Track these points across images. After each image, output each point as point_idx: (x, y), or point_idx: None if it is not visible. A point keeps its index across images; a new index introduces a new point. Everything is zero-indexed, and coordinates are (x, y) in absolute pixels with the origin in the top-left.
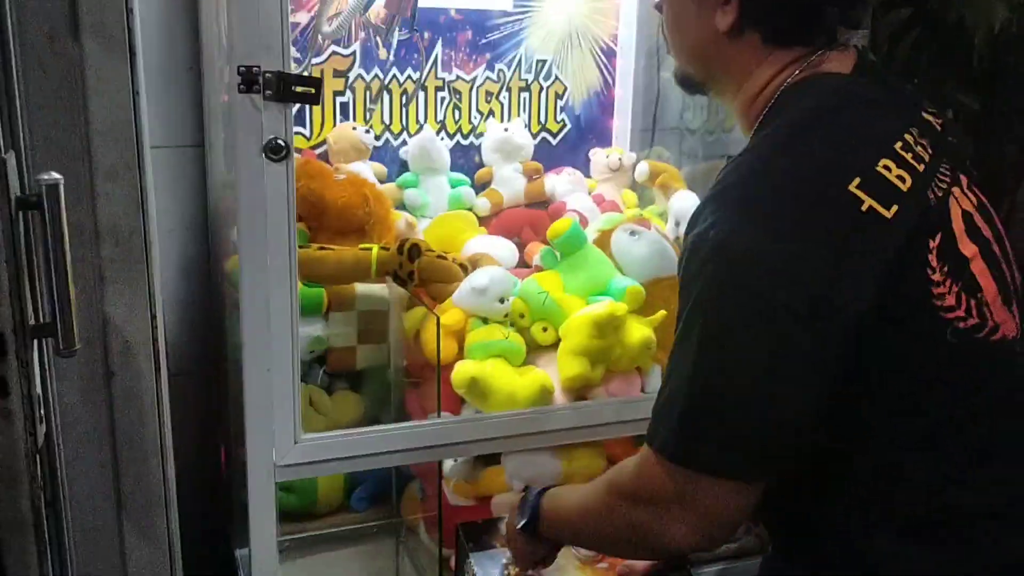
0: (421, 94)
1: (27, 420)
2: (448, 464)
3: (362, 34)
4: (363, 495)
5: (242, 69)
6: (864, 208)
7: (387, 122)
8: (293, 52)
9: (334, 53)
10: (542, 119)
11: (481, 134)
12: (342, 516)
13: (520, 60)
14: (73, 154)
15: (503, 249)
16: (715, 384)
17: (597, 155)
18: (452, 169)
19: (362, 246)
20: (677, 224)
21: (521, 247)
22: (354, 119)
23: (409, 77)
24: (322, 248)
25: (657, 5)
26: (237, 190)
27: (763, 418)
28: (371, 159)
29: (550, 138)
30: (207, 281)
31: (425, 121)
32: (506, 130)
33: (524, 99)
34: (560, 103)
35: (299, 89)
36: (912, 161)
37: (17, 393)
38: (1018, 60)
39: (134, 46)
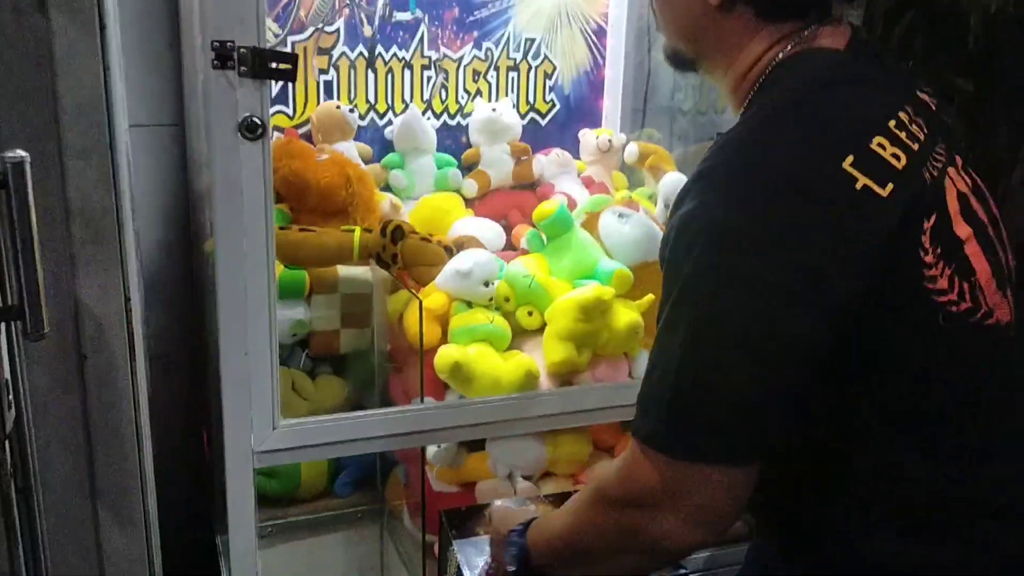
0: (407, 72)
1: None
2: (432, 450)
3: (346, 11)
4: (347, 480)
5: (216, 44)
6: (859, 186)
7: (372, 101)
8: (272, 26)
9: (317, 30)
10: (531, 99)
11: (468, 114)
12: (326, 501)
13: (508, 38)
14: (41, 131)
15: (490, 231)
16: (707, 369)
17: (586, 136)
18: (439, 150)
19: (344, 228)
20: (666, 207)
21: (508, 229)
22: (338, 97)
23: (395, 55)
24: (304, 230)
25: None
26: (212, 170)
27: (756, 400)
28: (356, 139)
29: (539, 118)
30: (188, 263)
31: (411, 100)
32: (494, 110)
33: (512, 78)
34: (549, 83)
35: (275, 65)
36: (907, 140)
37: None
38: (1013, 42)
39: (104, 20)
